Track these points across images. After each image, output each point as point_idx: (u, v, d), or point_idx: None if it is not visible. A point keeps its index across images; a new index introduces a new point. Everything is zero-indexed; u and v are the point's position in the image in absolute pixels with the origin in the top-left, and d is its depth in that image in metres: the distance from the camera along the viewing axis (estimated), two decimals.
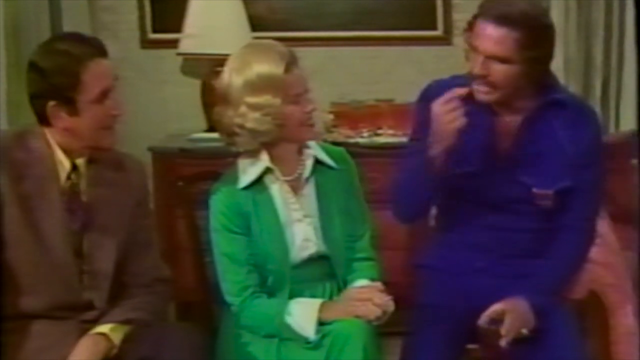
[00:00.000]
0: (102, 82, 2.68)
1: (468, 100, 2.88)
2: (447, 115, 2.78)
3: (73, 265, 2.74)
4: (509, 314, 2.81)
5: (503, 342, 2.79)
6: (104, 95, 2.69)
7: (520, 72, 2.80)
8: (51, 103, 2.65)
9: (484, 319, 2.82)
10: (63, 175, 2.74)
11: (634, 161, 4.50)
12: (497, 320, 2.81)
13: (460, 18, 4.51)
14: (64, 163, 2.74)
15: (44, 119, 2.70)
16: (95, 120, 2.70)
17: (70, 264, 2.73)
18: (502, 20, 2.75)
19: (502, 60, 2.78)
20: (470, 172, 2.90)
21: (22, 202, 2.68)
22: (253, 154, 2.93)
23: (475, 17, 2.84)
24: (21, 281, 2.69)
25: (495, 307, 2.82)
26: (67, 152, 2.74)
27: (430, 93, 2.98)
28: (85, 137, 2.72)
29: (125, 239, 2.81)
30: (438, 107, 2.79)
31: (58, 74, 2.64)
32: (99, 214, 2.78)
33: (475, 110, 2.89)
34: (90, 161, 2.79)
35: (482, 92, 2.85)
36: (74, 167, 2.76)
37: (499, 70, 2.79)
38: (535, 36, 2.77)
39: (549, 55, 2.86)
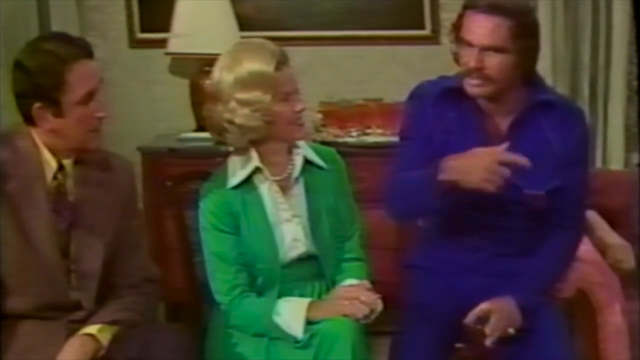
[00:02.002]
0: (87, 84, 2.67)
1: (457, 101, 2.90)
2: (488, 181, 2.73)
3: (60, 265, 2.73)
4: (495, 314, 2.81)
5: (488, 342, 2.80)
6: (89, 97, 2.68)
7: (514, 62, 2.81)
8: (36, 104, 2.65)
9: (470, 317, 2.83)
10: (49, 175, 2.74)
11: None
12: (484, 319, 2.82)
13: (448, 17, 4.50)
14: (51, 163, 2.74)
15: (29, 119, 2.70)
16: (80, 122, 2.69)
17: (57, 264, 2.72)
18: (494, 9, 2.77)
19: (497, 49, 2.79)
20: None
21: (9, 202, 2.67)
22: (243, 153, 2.93)
23: (461, 14, 2.85)
24: (8, 281, 2.68)
25: (482, 306, 2.83)
26: (54, 152, 2.74)
27: (420, 93, 3.00)
28: (71, 139, 2.71)
29: (113, 239, 2.80)
30: (482, 172, 2.72)
31: (42, 73, 2.63)
32: (86, 214, 2.77)
33: (465, 113, 2.91)
34: (77, 161, 2.78)
35: (475, 86, 2.85)
36: (61, 167, 2.75)
37: (494, 61, 2.80)
38: (527, 25, 2.80)
39: (538, 46, 2.88)
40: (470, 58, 2.82)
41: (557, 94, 3.19)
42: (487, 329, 2.80)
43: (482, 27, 2.79)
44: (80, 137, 2.72)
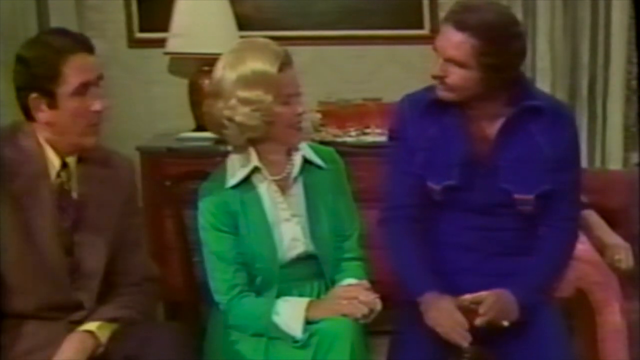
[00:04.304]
0: (81, 76, 2.67)
1: (443, 109, 2.93)
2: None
3: (63, 264, 2.72)
4: (491, 297, 2.82)
5: (478, 321, 2.81)
6: (83, 88, 2.67)
7: (478, 77, 2.84)
8: (32, 95, 2.65)
9: (467, 297, 2.84)
10: (53, 174, 2.73)
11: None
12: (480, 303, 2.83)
13: None
14: (54, 161, 2.73)
15: (27, 113, 2.70)
16: (76, 115, 2.68)
17: (60, 263, 2.72)
18: (461, 25, 2.81)
19: (459, 64, 2.83)
20: (451, 185, 2.93)
21: (13, 201, 2.66)
22: (241, 151, 2.93)
23: (442, 20, 2.89)
24: (10, 281, 2.67)
25: (481, 293, 2.84)
26: (57, 149, 2.73)
27: (405, 108, 3.06)
28: (68, 133, 2.70)
29: (114, 237, 2.80)
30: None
31: (39, 64, 2.64)
32: (89, 212, 2.77)
33: (452, 119, 2.93)
34: (79, 159, 2.78)
35: (440, 90, 2.91)
36: (64, 165, 2.75)
37: (455, 73, 2.84)
38: (494, 45, 2.80)
39: (509, 65, 2.88)
40: (436, 65, 2.87)
41: (545, 96, 3.19)
42: (481, 309, 2.81)
43: (447, 40, 2.84)
44: (77, 131, 2.71)
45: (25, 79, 2.67)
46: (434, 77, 2.89)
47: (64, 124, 2.69)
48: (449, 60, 2.84)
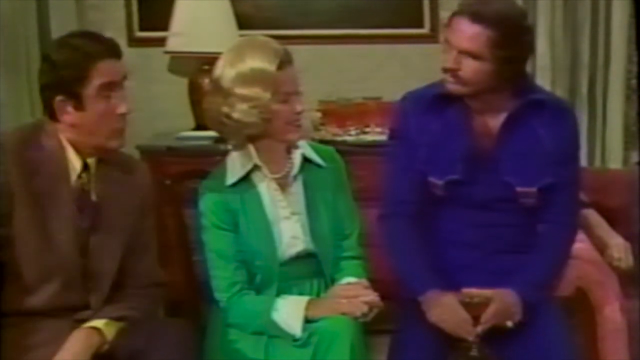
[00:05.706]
0: (105, 78, 2.68)
1: (446, 105, 2.94)
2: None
3: (77, 265, 2.72)
4: (495, 304, 2.83)
5: (481, 328, 2.82)
6: (106, 88, 2.68)
7: (491, 70, 2.84)
8: (58, 97, 2.66)
9: (469, 292, 2.85)
10: (74, 174, 2.73)
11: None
12: (482, 304, 2.83)
13: (447, 16, 4.48)
14: (75, 162, 2.73)
15: (51, 113, 2.70)
16: (100, 116, 2.69)
17: (74, 264, 2.71)
18: (476, 17, 2.80)
19: (474, 56, 2.82)
20: (454, 180, 2.93)
21: (33, 201, 2.66)
22: (241, 149, 2.94)
23: (451, 16, 2.88)
24: (24, 279, 2.67)
25: (485, 292, 2.84)
26: (78, 150, 2.73)
27: (407, 105, 3.06)
28: (93, 134, 2.71)
29: (127, 240, 2.81)
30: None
31: (67, 67, 2.65)
32: (106, 214, 2.77)
33: (455, 114, 2.93)
34: (100, 161, 2.78)
35: (452, 84, 2.90)
36: (85, 166, 2.75)
37: (469, 65, 2.84)
38: (509, 36, 2.81)
39: (521, 57, 2.90)
40: (448, 58, 2.86)
41: (546, 92, 3.22)
42: (482, 317, 2.82)
43: (462, 32, 2.83)
44: (103, 133, 2.71)
45: (52, 80, 2.68)
46: (446, 70, 2.88)
47: (90, 125, 2.69)
48: (463, 53, 2.83)
